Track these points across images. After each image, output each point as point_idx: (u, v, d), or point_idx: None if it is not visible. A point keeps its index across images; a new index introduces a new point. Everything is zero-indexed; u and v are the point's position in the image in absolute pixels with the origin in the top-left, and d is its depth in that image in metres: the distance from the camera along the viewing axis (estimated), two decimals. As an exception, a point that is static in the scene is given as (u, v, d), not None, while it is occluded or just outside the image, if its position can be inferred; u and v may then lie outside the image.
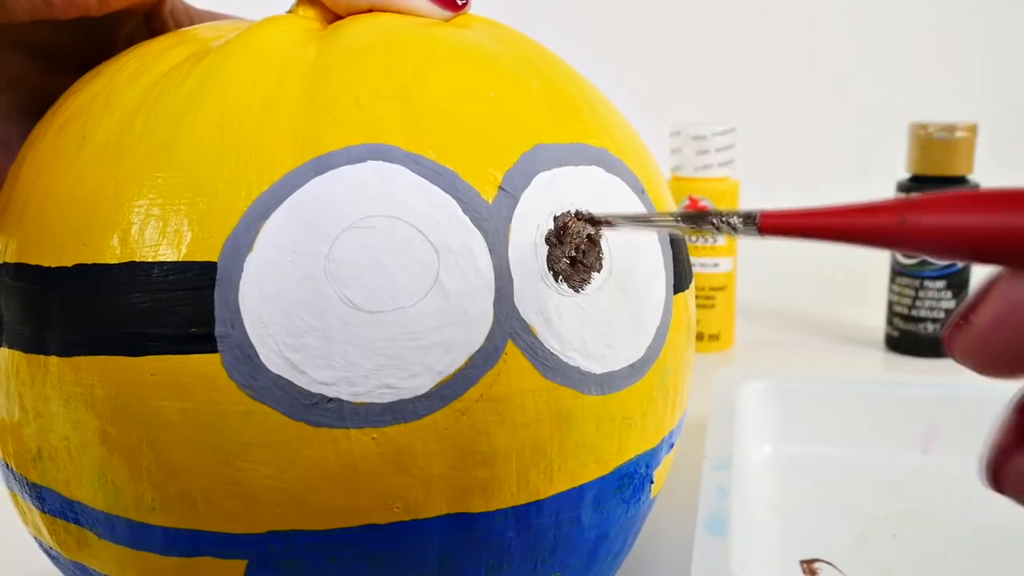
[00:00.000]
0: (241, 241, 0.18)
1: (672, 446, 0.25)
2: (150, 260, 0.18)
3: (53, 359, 0.19)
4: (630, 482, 0.23)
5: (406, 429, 0.18)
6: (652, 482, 0.24)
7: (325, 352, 0.18)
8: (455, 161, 0.19)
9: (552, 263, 0.20)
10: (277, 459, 0.18)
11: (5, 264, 0.20)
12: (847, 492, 0.35)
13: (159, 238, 0.18)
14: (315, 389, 0.18)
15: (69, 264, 0.19)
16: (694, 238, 0.55)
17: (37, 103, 0.23)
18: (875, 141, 0.97)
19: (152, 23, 0.25)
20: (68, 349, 0.19)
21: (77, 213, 0.19)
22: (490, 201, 0.19)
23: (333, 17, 0.23)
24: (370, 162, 0.19)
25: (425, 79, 0.20)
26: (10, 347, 0.20)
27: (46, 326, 0.19)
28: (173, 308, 0.18)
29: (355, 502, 0.19)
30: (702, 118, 0.59)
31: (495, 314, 0.19)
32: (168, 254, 0.18)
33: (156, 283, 0.18)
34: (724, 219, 0.17)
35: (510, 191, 0.20)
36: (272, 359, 0.18)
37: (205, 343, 0.18)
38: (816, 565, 0.30)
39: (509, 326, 0.19)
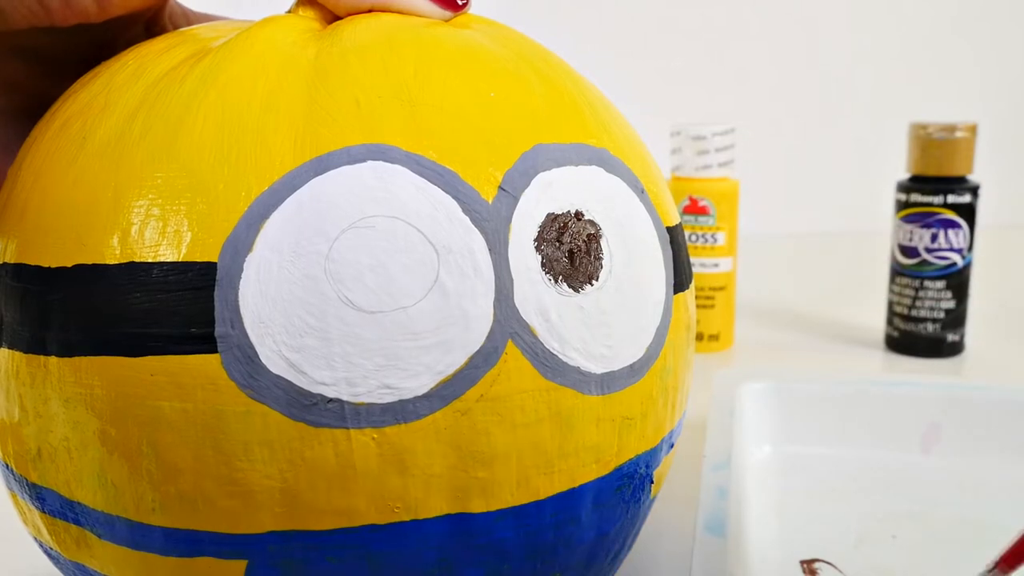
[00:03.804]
0: (241, 241, 0.18)
1: (672, 446, 0.25)
2: (150, 260, 0.18)
3: (53, 359, 0.19)
4: (630, 482, 0.23)
5: (406, 429, 0.18)
6: (652, 482, 0.24)
7: (325, 352, 0.18)
8: (455, 161, 0.19)
9: (552, 263, 0.20)
10: (277, 459, 0.18)
11: (5, 265, 0.20)
12: (846, 492, 0.35)
13: (159, 238, 0.18)
14: (315, 389, 0.18)
15: (69, 264, 0.19)
16: (693, 237, 0.55)
17: (36, 106, 0.23)
18: (875, 141, 0.97)
19: (152, 28, 0.25)
20: (68, 349, 0.19)
21: (77, 213, 0.19)
22: (490, 201, 0.19)
23: (332, 18, 0.23)
24: (370, 162, 0.19)
25: (425, 79, 0.20)
26: (10, 347, 0.20)
27: (46, 326, 0.19)
28: (173, 308, 0.18)
29: (355, 502, 0.19)
30: (702, 118, 0.59)
31: (495, 314, 0.19)
32: (168, 254, 0.18)
33: (156, 283, 0.18)
34: None
35: (510, 191, 0.20)
36: (272, 359, 0.18)
37: (205, 343, 0.18)
38: (816, 565, 0.30)
39: (509, 326, 0.19)
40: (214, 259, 0.18)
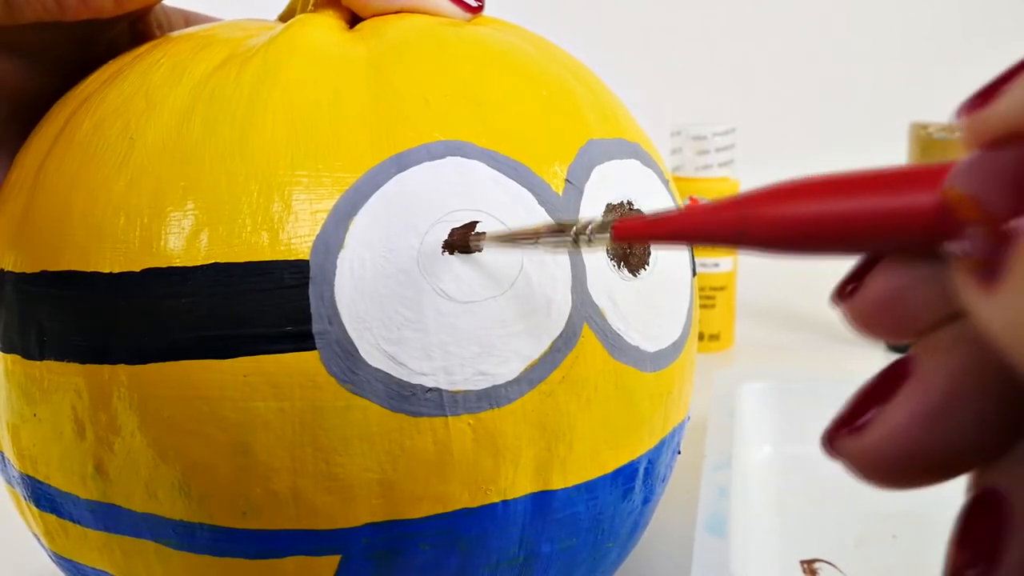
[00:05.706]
0: (331, 238, 0.18)
1: (689, 418, 0.27)
2: (235, 261, 0.18)
3: (121, 368, 0.18)
4: (670, 452, 0.24)
5: (499, 414, 0.19)
6: (679, 452, 0.26)
7: (423, 344, 0.18)
8: (525, 156, 0.20)
9: (615, 250, 0.21)
10: (377, 451, 0.18)
11: (43, 273, 0.19)
12: (847, 492, 0.35)
13: (241, 238, 0.18)
14: (415, 380, 0.18)
15: (137, 269, 0.18)
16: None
17: (19, 107, 0.23)
18: (875, 141, 0.97)
19: (137, 24, 0.24)
20: (139, 356, 0.18)
21: (138, 216, 0.18)
22: (560, 193, 0.20)
23: (352, 17, 0.23)
24: (449, 158, 0.19)
25: (482, 78, 0.21)
26: (57, 359, 0.19)
27: (109, 334, 0.18)
28: (264, 308, 0.18)
29: (450, 487, 0.19)
30: (702, 118, 0.59)
31: (572, 300, 0.20)
32: (253, 254, 0.18)
33: (243, 283, 0.18)
34: (581, 231, 0.17)
35: (575, 183, 0.21)
36: (372, 353, 0.18)
37: (302, 341, 0.18)
38: (816, 565, 0.30)
39: (584, 311, 0.20)
40: (305, 256, 0.18)
